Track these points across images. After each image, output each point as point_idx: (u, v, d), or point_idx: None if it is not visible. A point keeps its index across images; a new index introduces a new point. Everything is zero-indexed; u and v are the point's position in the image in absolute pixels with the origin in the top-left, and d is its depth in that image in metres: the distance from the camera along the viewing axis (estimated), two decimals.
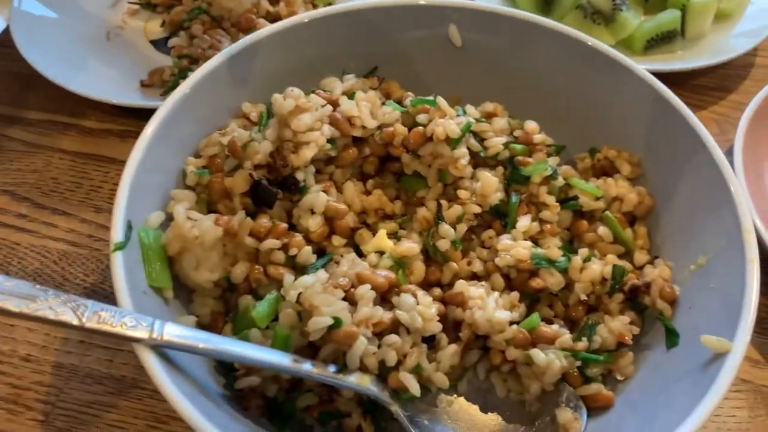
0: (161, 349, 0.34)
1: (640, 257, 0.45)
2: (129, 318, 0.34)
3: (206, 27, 0.58)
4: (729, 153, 0.53)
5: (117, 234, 0.37)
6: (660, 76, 0.59)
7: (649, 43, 0.61)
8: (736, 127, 0.54)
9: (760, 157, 0.53)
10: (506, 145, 0.47)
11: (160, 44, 0.62)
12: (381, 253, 0.43)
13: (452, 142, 0.44)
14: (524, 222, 0.44)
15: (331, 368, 0.37)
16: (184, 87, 0.44)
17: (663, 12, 0.62)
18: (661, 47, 0.62)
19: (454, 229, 0.43)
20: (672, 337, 0.41)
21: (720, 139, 0.58)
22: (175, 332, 0.34)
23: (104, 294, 0.48)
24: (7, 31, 0.63)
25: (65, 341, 0.46)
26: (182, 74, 0.55)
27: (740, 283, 0.38)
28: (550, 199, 0.45)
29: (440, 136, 0.44)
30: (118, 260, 0.37)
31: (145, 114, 0.56)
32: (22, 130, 0.57)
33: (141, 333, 0.33)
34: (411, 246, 0.42)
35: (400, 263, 0.42)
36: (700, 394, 0.34)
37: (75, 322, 0.33)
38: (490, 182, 0.45)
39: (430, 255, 0.44)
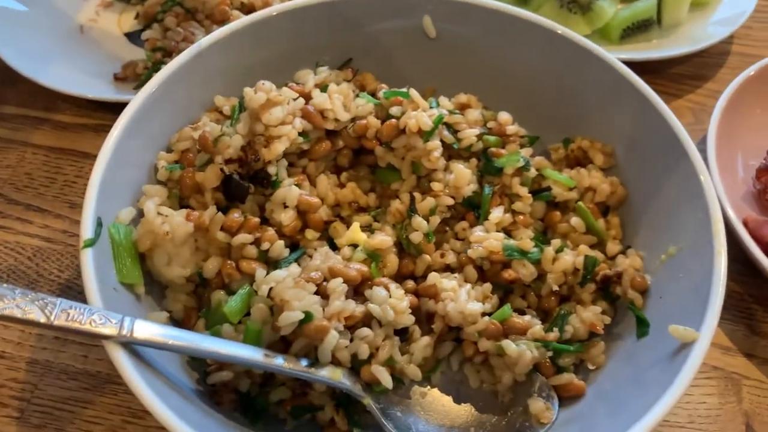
0: (132, 346, 0.34)
1: (613, 247, 0.45)
2: (98, 315, 0.34)
3: (180, 19, 0.58)
4: (703, 142, 0.53)
5: (86, 231, 0.37)
6: (636, 64, 0.59)
7: (626, 32, 0.61)
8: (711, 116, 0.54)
9: (733, 146, 0.54)
10: (479, 137, 0.47)
11: (134, 37, 0.61)
12: (355, 245, 0.43)
13: (425, 135, 0.44)
14: (497, 213, 0.44)
15: (303, 362, 0.37)
16: (155, 81, 0.44)
17: (639, 0, 0.62)
18: (637, 36, 0.62)
19: (428, 221, 0.43)
20: (642, 327, 0.41)
21: (696, 128, 0.59)
22: (145, 329, 0.34)
23: (78, 290, 0.47)
24: None
25: (40, 338, 0.46)
26: (156, 67, 0.55)
27: (708, 273, 0.38)
28: (523, 191, 0.45)
29: (413, 129, 0.44)
30: (87, 257, 0.36)
31: (120, 108, 0.56)
32: None
33: (110, 330, 0.33)
34: (384, 239, 0.42)
35: (374, 256, 0.42)
36: (668, 383, 0.35)
37: (43, 320, 0.33)
38: (463, 174, 0.45)
39: (403, 247, 0.44)
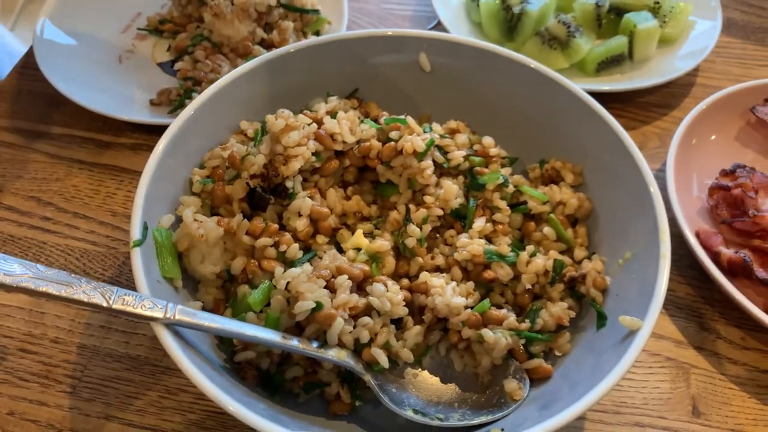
0: (174, 327, 0.41)
1: (579, 253, 0.52)
2: (147, 301, 0.41)
3: (208, 52, 0.66)
4: (665, 164, 0.61)
5: (135, 233, 0.45)
6: (610, 94, 0.67)
7: (600, 66, 0.68)
8: None
9: (690, 168, 0.61)
10: (466, 158, 0.54)
11: (166, 66, 0.69)
12: (358, 249, 0.50)
13: (419, 155, 0.52)
14: (480, 223, 0.52)
15: (314, 344, 0.45)
16: (190, 108, 0.51)
17: (613, 38, 0.69)
18: (611, 69, 0.69)
19: (420, 229, 0.51)
20: (601, 320, 0.47)
21: (661, 151, 0.66)
22: (185, 313, 0.42)
23: (120, 286, 0.55)
24: (30, 54, 0.71)
25: (88, 326, 0.53)
26: (187, 94, 0.63)
27: (654, 273, 0.45)
28: (502, 204, 0.53)
29: (409, 150, 0.52)
30: (137, 255, 0.44)
31: (154, 129, 0.64)
32: (46, 144, 0.64)
33: (157, 313, 0.41)
34: (383, 243, 0.50)
35: (374, 258, 0.50)
36: (616, 362, 0.42)
37: (104, 304, 0.40)
38: (451, 189, 0.52)
39: (400, 251, 0.51)
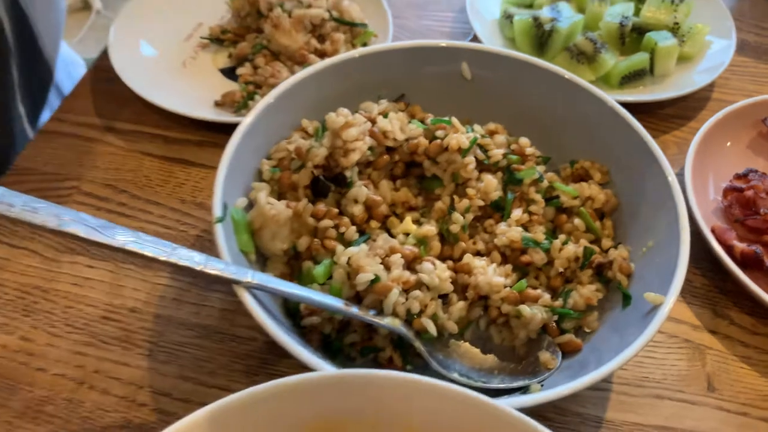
0: (252, 291, 0.47)
1: (606, 243, 0.58)
2: (232, 267, 0.47)
3: (267, 59, 0.72)
4: (683, 168, 0.66)
5: (217, 211, 0.51)
6: (632, 105, 0.72)
7: (624, 79, 0.75)
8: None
9: (706, 172, 0.66)
10: (504, 156, 0.60)
11: (226, 72, 0.75)
12: (407, 234, 0.56)
13: (463, 152, 0.58)
14: (517, 213, 0.57)
15: (372, 312, 0.50)
16: (258, 108, 0.57)
17: (635, 54, 0.76)
18: (633, 82, 0.75)
19: (463, 217, 0.57)
20: (626, 300, 0.53)
21: (679, 157, 0.71)
22: (263, 279, 0.48)
23: None
24: (101, 59, 0.78)
25: (162, 298, 0.59)
26: (250, 96, 0.69)
27: (675, 257, 0.50)
28: (538, 197, 0.58)
29: (453, 147, 0.58)
30: (219, 229, 0.50)
31: (217, 127, 0.71)
32: (118, 138, 0.71)
33: (241, 278, 0.47)
34: (430, 228, 0.56)
35: (422, 242, 0.55)
36: (640, 333, 0.47)
37: (198, 267, 0.46)
38: (491, 183, 0.58)
39: (444, 237, 0.57)
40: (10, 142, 0.79)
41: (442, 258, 0.56)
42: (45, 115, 0.88)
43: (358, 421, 0.39)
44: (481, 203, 0.57)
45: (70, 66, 1.01)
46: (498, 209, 0.58)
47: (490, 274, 0.53)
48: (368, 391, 0.38)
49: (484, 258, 0.55)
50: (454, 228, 0.56)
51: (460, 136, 0.57)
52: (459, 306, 0.53)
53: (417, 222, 0.58)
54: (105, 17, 2.27)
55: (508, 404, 0.37)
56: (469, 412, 0.38)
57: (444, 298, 0.53)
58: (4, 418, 0.51)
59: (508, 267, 0.55)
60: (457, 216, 0.56)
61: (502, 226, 0.56)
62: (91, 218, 0.45)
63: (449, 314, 0.53)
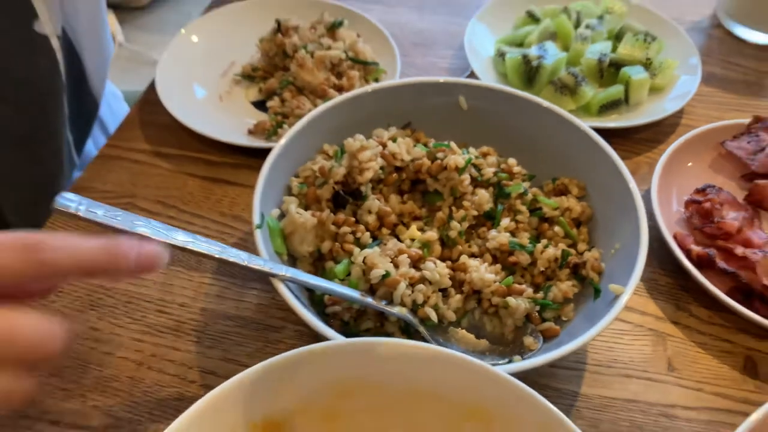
0: (286, 283, 0.58)
1: (582, 246, 0.67)
2: (270, 263, 0.58)
3: (293, 93, 0.84)
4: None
5: (256, 219, 0.61)
6: (609, 131, 0.83)
7: (602, 108, 0.85)
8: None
9: (671, 187, 0.76)
10: (495, 174, 0.70)
11: (257, 104, 0.87)
12: (413, 239, 0.67)
13: (459, 171, 0.68)
14: (506, 222, 0.68)
15: (383, 302, 0.61)
16: (289, 134, 0.67)
17: (612, 86, 0.87)
18: (610, 111, 0.86)
19: (460, 225, 0.67)
20: (597, 293, 0.62)
21: (649, 176, 0.80)
22: (294, 273, 0.58)
23: (230, 264, 0.72)
24: (148, 93, 0.90)
25: (207, 294, 0.70)
26: (278, 125, 0.80)
27: (635, 257, 0.60)
28: (523, 208, 0.69)
29: (452, 167, 0.68)
30: (258, 234, 0.60)
31: (250, 152, 0.82)
32: (165, 162, 0.82)
33: (277, 272, 0.57)
34: (432, 234, 0.66)
35: (425, 245, 0.66)
36: (603, 316, 0.57)
37: (244, 263, 0.57)
38: (484, 197, 0.69)
39: (444, 241, 0.67)
40: (60, 166, 0.90)
41: (442, 259, 0.66)
42: (88, 144, 1.00)
43: (371, 384, 0.45)
44: (475, 213, 0.68)
45: (110, 98, 1.13)
46: (489, 218, 0.69)
47: (482, 272, 0.63)
48: (380, 356, 0.47)
49: (478, 259, 0.66)
50: (452, 234, 0.66)
51: (457, 157, 0.68)
52: (456, 298, 0.63)
53: (421, 229, 0.68)
54: (126, 49, 2.41)
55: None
56: (464, 375, 0.45)
57: (443, 291, 0.63)
58: (79, 392, 0.62)
59: (498, 266, 0.65)
60: (454, 224, 0.67)
61: (492, 233, 0.67)
62: (157, 223, 0.56)
63: (448, 305, 0.63)
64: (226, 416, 0.44)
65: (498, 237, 0.66)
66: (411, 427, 0.49)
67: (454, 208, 0.68)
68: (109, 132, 1.06)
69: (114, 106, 1.15)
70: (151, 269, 0.45)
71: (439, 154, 0.69)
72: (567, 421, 0.44)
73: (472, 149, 0.72)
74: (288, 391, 0.47)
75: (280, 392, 0.47)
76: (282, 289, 0.57)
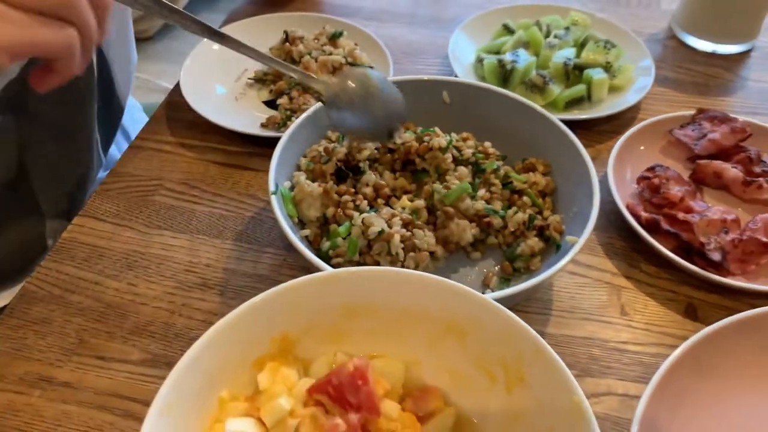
0: (294, 235, 0.70)
1: (546, 213, 0.79)
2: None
3: (299, 92, 0.97)
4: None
5: (272, 187, 0.73)
6: (575, 123, 0.96)
7: (567, 104, 0.98)
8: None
9: (625, 166, 0.88)
10: (473, 154, 0.83)
11: (268, 103, 0.99)
12: (403, 208, 0.79)
13: (442, 150, 0.81)
14: (482, 192, 0.80)
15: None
16: (295, 125, 0.80)
17: (576, 86, 1.00)
18: (575, 106, 0.98)
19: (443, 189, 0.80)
20: (558, 248, 0.75)
21: (608, 160, 0.95)
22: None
23: (247, 233, 0.84)
24: (173, 94, 1.03)
25: (228, 257, 0.80)
26: (288, 118, 0.93)
27: (588, 216, 0.72)
28: (497, 182, 0.81)
29: (436, 147, 0.80)
30: (274, 199, 0.72)
31: (263, 142, 0.94)
32: (189, 151, 0.94)
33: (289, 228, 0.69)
34: (420, 203, 0.78)
35: (414, 212, 0.78)
36: (558, 260, 0.69)
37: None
38: (464, 172, 0.81)
39: (430, 210, 0.80)
40: (91, 162, 1.01)
41: (428, 223, 0.78)
42: (112, 149, 1.12)
43: (369, 307, 0.52)
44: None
45: (131, 108, 1.25)
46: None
47: (462, 226, 0.75)
48: (378, 282, 0.55)
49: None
50: (437, 204, 0.78)
51: (440, 139, 0.81)
52: (442, 254, 0.75)
53: (411, 200, 0.81)
54: (137, 78, 2.53)
55: None
56: (445, 296, 0.51)
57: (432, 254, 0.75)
58: (120, 334, 0.73)
59: (476, 228, 0.77)
60: (437, 186, 0.78)
61: (469, 201, 0.79)
62: None
63: (437, 261, 0.75)
64: (247, 331, 0.51)
65: (475, 204, 0.78)
66: (402, 344, 0.59)
67: (438, 183, 0.80)
68: (131, 138, 1.18)
69: (135, 116, 1.28)
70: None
71: (426, 138, 0.82)
72: (526, 326, 0.55)
73: (453, 134, 0.85)
74: (302, 311, 0.53)
75: (295, 312, 0.53)
76: (294, 239, 0.68)
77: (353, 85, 0.73)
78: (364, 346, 0.58)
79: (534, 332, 0.54)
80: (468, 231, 0.74)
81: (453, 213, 0.75)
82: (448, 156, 0.80)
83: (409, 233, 0.73)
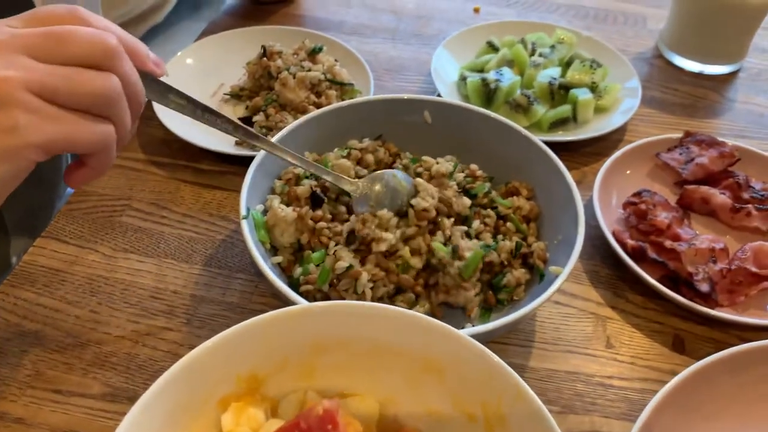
0: (267, 264, 0.66)
1: (531, 239, 0.76)
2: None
3: (276, 110, 0.93)
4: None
5: (243, 212, 0.70)
6: (559, 144, 0.94)
7: (552, 125, 0.96)
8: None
9: (611, 191, 0.86)
10: (464, 177, 0.79)
11: (244, 120, 0.96)
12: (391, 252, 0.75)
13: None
14: (476, 224, 0.73)
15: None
16: (272, 141, 0.78)
17: (561, 106, 0.98)
18: (560, 127, 0.96)
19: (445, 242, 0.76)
20: (542, 277, 0.72)
21: (594, 183, 0.92)
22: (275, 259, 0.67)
23: (217, 258, 0.80)
24: (147, 108, 0.99)
25: (196, 283, 0.77)
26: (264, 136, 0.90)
27: (573, 244, 0.70)
28: (490, 212, 0.75)
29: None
30: (244, 224, 0.69)
31: (237, 160, 0.91)
32: (160, 169, 0.91)
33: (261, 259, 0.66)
34: (416, 262, 0.72)
35: (403, 265, 0.73)
36: (541, 293, 0.66)
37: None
38: (465, 201, 0.76)
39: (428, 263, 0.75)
40: (59, 182, 0.97)
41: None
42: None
43: (342, 343, 0.49)
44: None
45: None
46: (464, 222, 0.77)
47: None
48: (350, 317, 0.53)
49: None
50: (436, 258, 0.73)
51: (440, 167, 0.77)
52: (426, 307, 0.71)
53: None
54: None
55: None
56: (421, 332, 0.48)
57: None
58: (80, 366, 0.69)
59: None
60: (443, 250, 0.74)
61: (467, 242, 0.72)
62: None
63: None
64: (212, 368, 0.47)
65: (470, 247, 0.73)
66: (376, 381, 0.56)
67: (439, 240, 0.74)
68: None
69: None
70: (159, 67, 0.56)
71: (419, 169, 0.78)
72: (507, 368, 0.52)
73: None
74: (271, 347, 0.51)
75: (263, 348, 0.53)
76: (264, 267, 0.65)
77: (380, 188, 0.74)
78: (337, 383, 0.56)
79: (515, 375, 0.50)
80: (474, 300, 0.71)
81: (468, 286, 0.71)
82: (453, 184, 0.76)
83: (383, 273, 0.70)
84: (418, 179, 0.75)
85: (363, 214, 0.71)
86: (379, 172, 0.76)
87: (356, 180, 0.75)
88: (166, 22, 1.30)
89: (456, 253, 0.70)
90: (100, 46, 0.45)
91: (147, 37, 1.29)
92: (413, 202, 0.72)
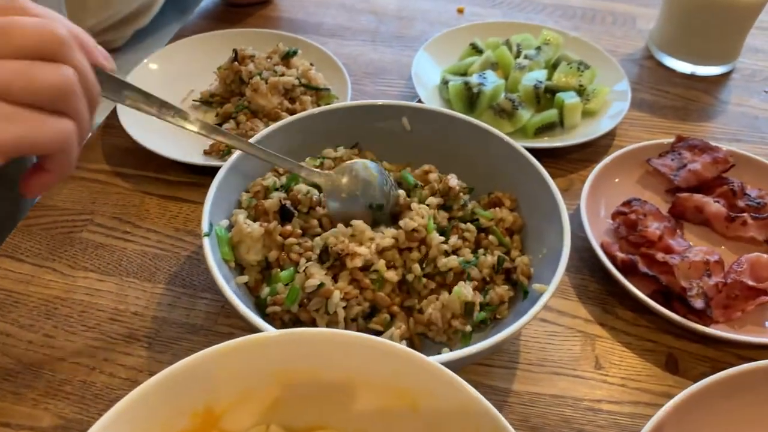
0: (232, 288, 0.61)
1: (515, 253, 0.72)
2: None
3: (247, 117, 0.88)
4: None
5: (205, 228, 0.65)
6: (544, 151, 0.89)
7: (538, 130, 0.91)
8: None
9: (599, 200, 0.82)
10: (439, 189, 0.76)
11: None
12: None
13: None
14: (453, 240, 0.69)
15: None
16: (237, 153, 0.73)
17: (548, 110, 0.93)
18: (546, 133, 0.92)
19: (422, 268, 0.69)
20: (525, 294, 0.67)
21: (582, 192, 0.88)
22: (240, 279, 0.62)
23: (183, 276, 0.75)
24: (110, 117, 0.94)
25: (159, 304, 0.72)
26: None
27: (558, 258, 0.65)
28: (470, 226, 0.70)
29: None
30: (206, 241, 0.64)
31: (205, 171, 0.86)
32: (124, 181, 0.86)
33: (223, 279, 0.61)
34: (392, 275, 0.67)
35: (379, 281, 0.68)
36: (525, 312, 0.61)
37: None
38: (443, 216, 0.72)
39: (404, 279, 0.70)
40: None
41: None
42: None
43: (309, 372, 0.48)
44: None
45: None
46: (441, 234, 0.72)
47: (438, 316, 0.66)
48: (316, 345, 0.51)
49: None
50: (411, 276, 0.69)
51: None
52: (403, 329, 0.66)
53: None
54: None
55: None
56: (392, 361, 0.47)
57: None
58: (31, 396, 0.64)
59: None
60: (416, 267, 0.69)
61: (443, 260, 0.68)
62: None
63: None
64: (162, 403, 0.46)
65: (449, 262, 0.69)
66: (346, 413, 0.52)
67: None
68: None
69: None
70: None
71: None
72: (484, 401, 0.47)
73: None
74: (230, 379, 0.49)
75: (221, 381, 0.49)
76: (227, 290, 0.60)
77: (348, 179, 0.71)
78: (304, 417, 0.52)
79: (493, 409, 0.46)
80: (454, 337, 0.66)
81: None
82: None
83: (356, 291, 0.65)
84: (409, 199, 0.71)
85: (335, 235, 0.67)
86: (348, 162, 0.73)
87: (329, 172, 0.72)
88: (152, 26, 1.25)
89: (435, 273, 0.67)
90: (48, 36, 0.42)
91: (133, 41, 1.25)
92: (401, 223, 0.68)
